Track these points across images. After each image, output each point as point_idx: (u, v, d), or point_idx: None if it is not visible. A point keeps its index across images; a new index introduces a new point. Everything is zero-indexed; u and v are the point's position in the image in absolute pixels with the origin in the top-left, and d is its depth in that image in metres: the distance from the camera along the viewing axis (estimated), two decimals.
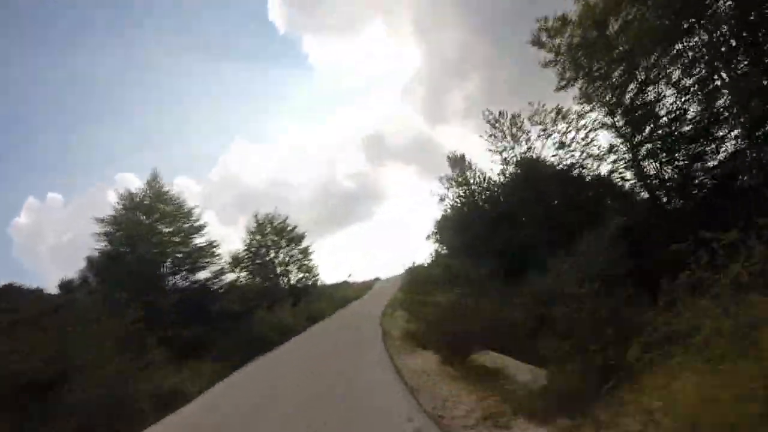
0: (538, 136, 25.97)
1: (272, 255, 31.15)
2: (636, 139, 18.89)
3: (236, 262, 25.27)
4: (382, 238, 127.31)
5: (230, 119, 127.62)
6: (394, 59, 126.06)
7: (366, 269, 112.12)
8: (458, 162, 35.52)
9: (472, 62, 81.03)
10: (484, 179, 34.64)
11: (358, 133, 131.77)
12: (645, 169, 19.00)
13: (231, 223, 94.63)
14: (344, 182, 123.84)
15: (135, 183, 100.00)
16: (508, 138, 26.25)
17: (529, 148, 26.07)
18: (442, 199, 35.65)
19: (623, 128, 19.53)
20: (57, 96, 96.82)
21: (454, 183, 35.24)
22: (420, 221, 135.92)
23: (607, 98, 19.15)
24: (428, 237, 51.46)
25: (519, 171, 30.99)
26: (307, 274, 31.15)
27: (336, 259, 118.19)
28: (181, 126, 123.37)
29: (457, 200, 34.46)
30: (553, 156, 25.54)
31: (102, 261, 20.13)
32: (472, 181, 34.73)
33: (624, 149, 21.50)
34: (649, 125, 17.77)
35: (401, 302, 21.03)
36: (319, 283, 31.99)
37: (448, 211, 36.05)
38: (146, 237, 20.30)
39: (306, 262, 31.21)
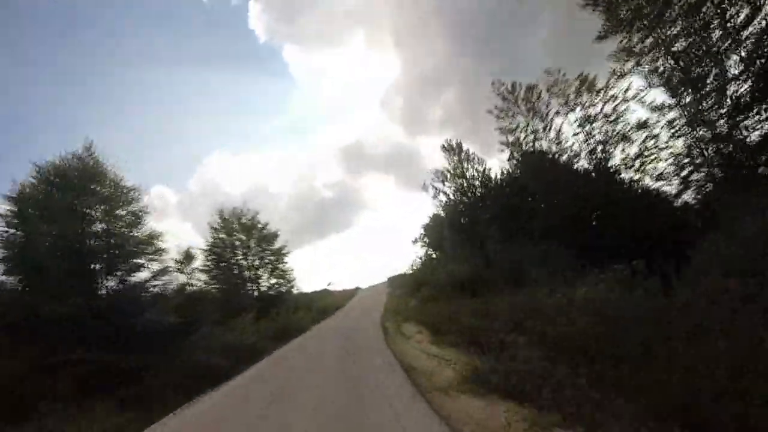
0: (557, 112, 21.62)
1: (240, 257, 25.41)
2: (697, 95, 14.61)
3: (188, 259, 19.57)
4: (361, 249, 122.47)
5: (209, 128, 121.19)
6: (374, 70, 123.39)
7: (345, 279, 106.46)
8: (454, 152, 30.93)
9: (451, 74, 79.33)
10: (484, 171, 30.20)
11: (338, 142, 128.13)
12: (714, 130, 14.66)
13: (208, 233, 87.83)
14: (323, 191, 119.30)
15: None
16: (523, 111, 21.76)
17: (546, 127, 21.63)
18: (437, 194, 30.85)
19: (678, 81, 15.27)
20: (29, 103, 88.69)
21: (449, 175, 30.57)
22: (399, 231, 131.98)
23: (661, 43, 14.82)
24: (415, 240, 46.74)
25: (524, 163, 26.94)
26: (280, 280, 25.51)
27: (315, 268, 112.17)
28: (158, 133, 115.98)
29: (457, 193, 29.72)
30: (575, 135, 21.17)
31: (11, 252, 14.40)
32: (468, 174, 30.20)
33: (665, 120, 17.47)
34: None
35: (403, 311, 16.36)
36: (295, 290, 26.46)
37: (443, 207, 31.27)
38: (69, 223, 14.68)
39: (280, 266, 25.58)
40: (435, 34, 77.22)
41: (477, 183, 29.32)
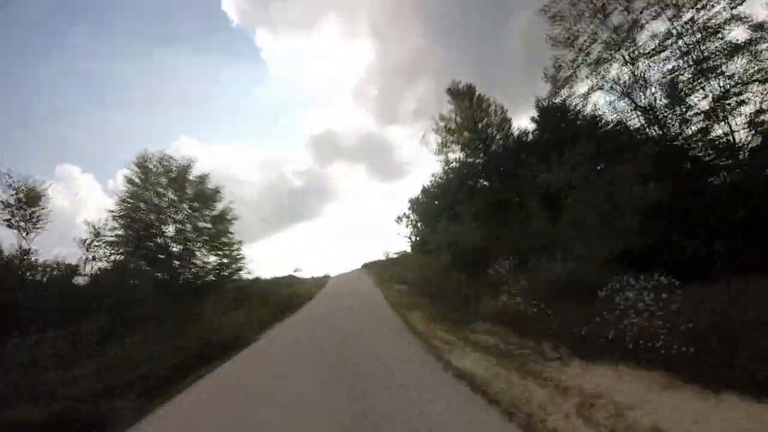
0: (635, 22, 14.52)
1: (168, 225, 17.04)
2: None
3: (30, 202, 10.76)
4: (330, 237, 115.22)
5: (177, 113, 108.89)
6: (348, 58, 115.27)
7: (314, 266, 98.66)
8: (463, 96, 23.49)
9: (425, 64, 74.43)
10: (501, 121, 23.01)
11: (309, 130, 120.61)
12: None
13: None
14: (293, 180, 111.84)
15: (77, 177, 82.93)
16: (591, 12, 14.42)
17: (623, 40, 14.44)
18: (442, 148, 23.17)
19: None
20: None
21: (455, 124, 23.05)
22: (370, 220, 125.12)
23: None
24: (400, 218, 39.10)
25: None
26: (223, 259, 17.26)
27: (283, 257, 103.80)
28: (125, 119, 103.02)
29: (467, 149, 22.21)
30: (657, 51, 14.12)
31: None
32: (482, 125, 22.87)
33: None
34: None
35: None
36: (246, 272, 18.18)
37: (447, 166, 23.69)
38: None
39: (222, 239, 17.32)
40: (411, 23, 71.93)
41: (497, 138, 21.98)
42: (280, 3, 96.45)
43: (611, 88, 15.95)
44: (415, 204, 34.53)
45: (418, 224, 34.60)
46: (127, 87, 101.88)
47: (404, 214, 37.65)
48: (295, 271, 35.42)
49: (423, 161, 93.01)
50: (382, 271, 29.59)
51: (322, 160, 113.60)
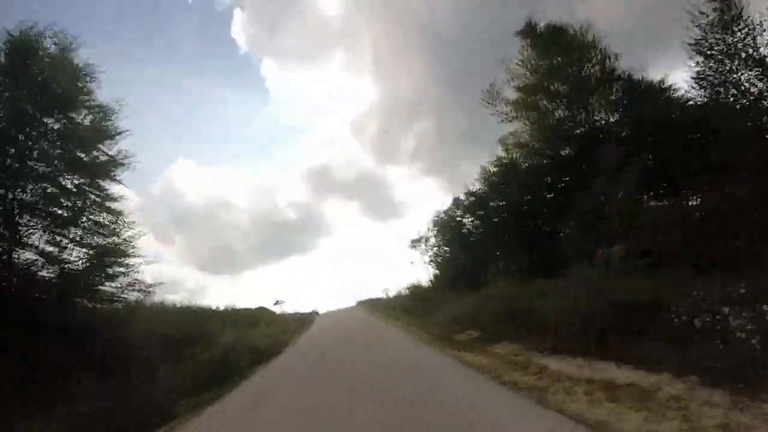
0: None
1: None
2: None
3: None
4: (321, 272, 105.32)
5: (178, 133, 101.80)
6: (349, 93, 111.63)
7: (300, 301, 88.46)
8: (549, 38, 14.92)
9: (426, 106, 70.91)
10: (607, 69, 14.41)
11: (305, 162, 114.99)
12: None
13: (167, 242, 68.50)
14: (287, 212, 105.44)
15: None
16: None
17: None
18: (518, 111, 14.09)
19: None
20: None
21: (536, 79, 14.20)
22: (362, 258, 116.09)
23: None
24: (417, 242, 29.78)
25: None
26: (88, 250, 7.59)
27: (270, 290, 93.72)
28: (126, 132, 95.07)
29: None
30: None
31: None
32: (589, 71, 13.99)
33: None
34: None
35: None
36: (138, 291, 8.09)
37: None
38: None
39: (99, 214, 7.82)
40: (413, 63, 69.78)
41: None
42: (289, 34, 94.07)
43: None
44: (440, 222, 25.28)
45: (442, 247, 25.38)
46: (131, 102, 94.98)
47: (420, 237, 28.34)
48: (275, 303, 25.36)
49: (418, 201, 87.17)
50: (399, 312, 19.70)
51: (317, 194, 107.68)
